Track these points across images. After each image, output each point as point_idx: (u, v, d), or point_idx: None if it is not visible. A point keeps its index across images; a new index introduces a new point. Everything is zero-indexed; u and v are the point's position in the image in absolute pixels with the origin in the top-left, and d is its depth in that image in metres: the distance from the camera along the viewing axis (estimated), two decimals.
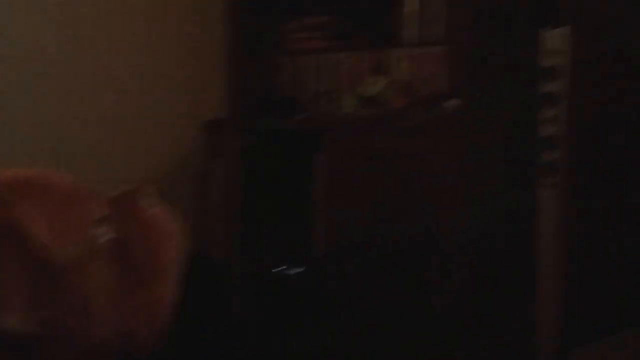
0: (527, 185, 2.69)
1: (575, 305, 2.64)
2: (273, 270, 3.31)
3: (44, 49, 3.05)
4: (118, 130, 3.25)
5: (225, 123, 3.45)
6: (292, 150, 3.35)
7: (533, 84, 2.67)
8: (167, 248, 1.02)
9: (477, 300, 2.76)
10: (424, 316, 2.81)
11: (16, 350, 0.92)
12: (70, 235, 0.95)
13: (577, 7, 2.63)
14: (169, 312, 1.03)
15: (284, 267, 3.33)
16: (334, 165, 3.10)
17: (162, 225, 1.03)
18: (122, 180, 3.15)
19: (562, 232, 2.64)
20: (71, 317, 0.94)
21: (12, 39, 2.98)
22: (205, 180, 3.46)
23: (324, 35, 3.35)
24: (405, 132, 2.94)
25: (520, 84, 2.72)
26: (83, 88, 3.15)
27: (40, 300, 0.92)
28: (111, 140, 3.23)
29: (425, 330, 2.80)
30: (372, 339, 2.92)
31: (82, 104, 3.15)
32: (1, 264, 0.91)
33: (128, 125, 3.28)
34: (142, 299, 1.00)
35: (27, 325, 0.92)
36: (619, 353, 2.58)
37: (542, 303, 2.67)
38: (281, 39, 3.49)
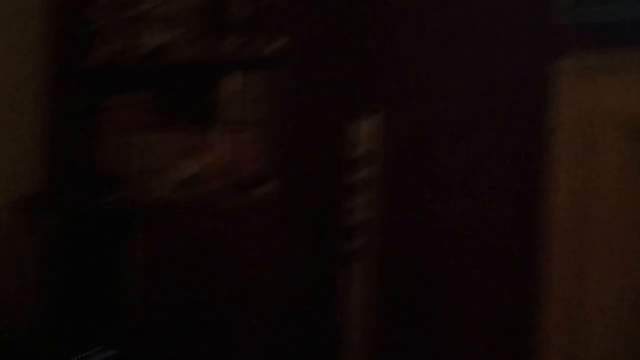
0: (337, 270, 2.73)
1: None
2: (84, 354, 3.20)
3: None
4: None
5: (39, 200, 3.34)
6: (107, 230, 3.28)
7: (344, 171, 2.73)
8: None
9: None
10: None
11: None
12: None
13: (386, 97, 2.72)
14: None
15: (97, 349, 3.23)
16: (149, 246, 3.05)
17: None
18: None
19: (368, 317, 2.69)
20: None
21: None
22: (15, 259, 3.33)
23: (144, 113, 3.32)
24: (221, 215, 2.94)
25: (333, 170, 2.77)
26: None
27: None
28: None
29: None
30: None
31: None
32: None
33: None
34: None
35: None
36: None
37: None
38: (102, 114, 3.43)
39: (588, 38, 2.39)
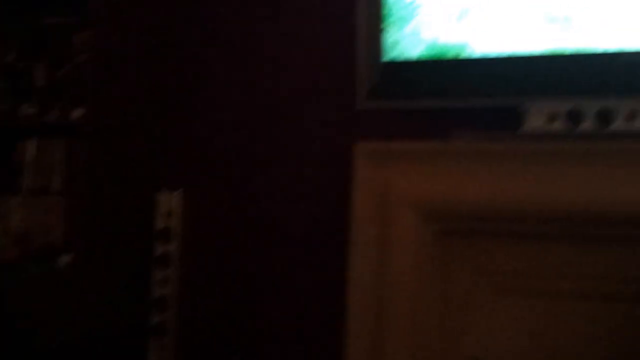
0: (138, 346, 2.68)
1: None
2: None
3: None
4: None
5: None
6: None
7: (148, 245, 2.69)
8: None
9: None
10: None
11: None
12: None
13: (188, 174, 2.71)
14: None
15: None
16: None
17: None
18: None
19: None
20: None
21: None
22: None
23: None
24: (15, 286, 2.83)
25: (136, 244, 2.72)
26: None
27: None
28: None
29: None
30: None
31: None
32: None
33: None
34: None
35: None
36: None
37: None
38: None
39: (387, 124, 2.48)
